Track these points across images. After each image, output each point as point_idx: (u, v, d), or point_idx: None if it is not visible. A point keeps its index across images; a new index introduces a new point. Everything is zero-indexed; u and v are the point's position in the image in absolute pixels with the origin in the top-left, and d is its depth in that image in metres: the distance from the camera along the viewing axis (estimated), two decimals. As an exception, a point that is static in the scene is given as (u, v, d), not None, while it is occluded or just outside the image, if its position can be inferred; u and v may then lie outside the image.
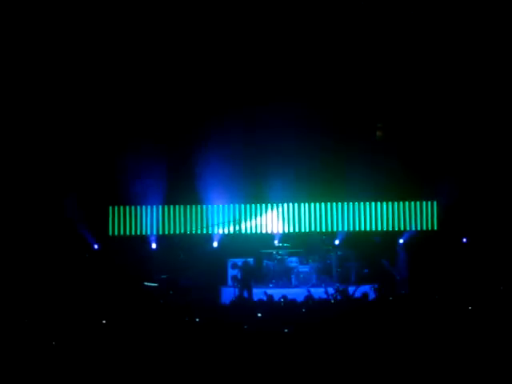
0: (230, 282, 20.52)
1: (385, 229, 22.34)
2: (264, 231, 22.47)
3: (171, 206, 22.40)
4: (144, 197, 21.93)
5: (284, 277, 20.91)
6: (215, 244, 22.22)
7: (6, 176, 20.77)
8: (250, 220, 22.45)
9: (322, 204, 22.43)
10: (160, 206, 22.35)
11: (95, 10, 19.81)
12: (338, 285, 19.20)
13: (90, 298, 16.67)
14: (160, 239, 22.37)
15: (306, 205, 22.47)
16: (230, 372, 9.20)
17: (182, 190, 22.04)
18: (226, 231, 22.37)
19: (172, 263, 21.62)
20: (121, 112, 21.36)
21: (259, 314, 12.32)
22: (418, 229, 22.28)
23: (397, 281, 20.39)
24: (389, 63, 21.08)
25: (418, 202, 22.35)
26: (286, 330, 10.49)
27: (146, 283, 20.44)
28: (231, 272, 20.57)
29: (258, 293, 18.34)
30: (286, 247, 21.69)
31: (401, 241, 21.86)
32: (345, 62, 21.07)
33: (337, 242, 21.90)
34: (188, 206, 22.45)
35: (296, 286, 20.34)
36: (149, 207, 22.35)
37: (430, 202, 22.33)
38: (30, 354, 9.78)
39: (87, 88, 20.98)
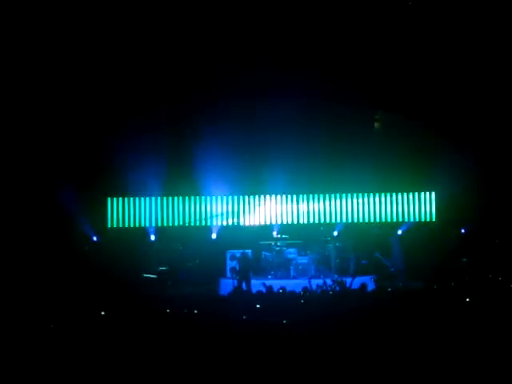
0: (228, 273, 20.55)
1: (383, 220, 22.36)
2: (263, 223, 22.49)
3: (170, 198, 22.42)
4: (143, 188, 21.95)
5: (282, 268, 20.92)
6: (214, 236, 22.25)
7: (3, 168, 20.74)
8: (249, 211, 22.47)
9: (321, 195, 22.46)
10: (159, 198, 22.37)
11: None
12: (336, 276, 19.25)
13: (88, 290, 16.70)
14: (159, 231, 22.39)
15: (305, 196, 22.49)
16: (228, 363, 9.23)
17: (181, 181, 22.07)
18: (225, 223, 22.39)
19: (171, 255, 21.65)
20: (120, 104, 21.34)
21: (258, 306, 12.33)
22: (417, 220, 22.31)
23: (391, 272, 20.42)
24: (387, 52, 21.04)
25: (416, 193, 22.38)
26: (284, 321, 10.51)
27: (144, 275, 20.46)
28: (230, 264, 20.59)
29: (256, 284, 18.36)
30: (284, 238, 21.71)
31: (399, 232, 21.93)
32: (343, 53, 21.03)
33: (335, 233, 21.93)
34: (187, 198, 22.47)
35: (294, 278, 20.36)
36: (147, 199, 22.37)
37: (428, 193, 22.35)
38: (30, 345, 9.81)
39: (85, 79, 20.93)
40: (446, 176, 21.07)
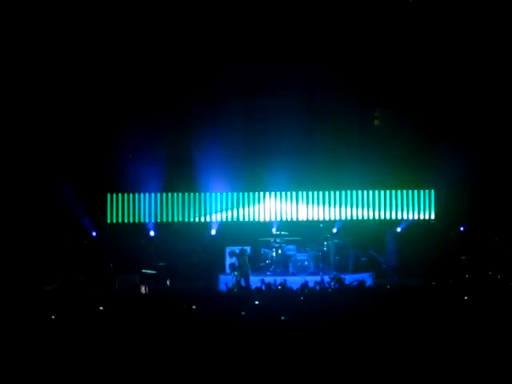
0: (227, 269, 20.58)
1: (382, 217, 22.36)
2: (262, 219, 22.49)
3: (169, 194, 22.42)
4: (142, 184, 21.94)
5: (281, 265, 20.94)
6: (213, 232, 22.26)
7: (3, 164, 20.74)
8: (248, 208, 22.47)
9: (320, 192, 22.44)
10: (158, 194, 22.37)
11: None
12: (334, 273, 19.28)
13: (88, 285, 16.74)
14: (158, 227, 22.40)
15: (304, 193, 22.48)
16: (227, 359, 9.24)
17: (181, 177, 22.06)
18: (224, 219, 22.39)
19: (170, 251, 21.66)
20: (120, 100, 21.34)
21: (257, 302, 12.35)
22: (416, 218, 22.31)
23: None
24: (388, 50, 21.05)
25: (415, 191, 22.37)
26: (282, 318, 10.52)
27: (144, 270, 20.48)
28: (229, 260, 20.61)
29: (255, 281, 18.38)
30: (283, 235, 21.72)
31: (398, 229, 21.95)
32: (343, 49, 21.02)
33: (334, 230, 21.93)
34: (186, 194, 22.47)
35: (293, 274, 20.37)
36: (147, 195, 22.36)
37: (427, 191, 22.36)
38: (29, 340, 9.83)
39: (84, 75, 20.94)
40: (445, 174, 21.07)
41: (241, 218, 22.44)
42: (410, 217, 22.32)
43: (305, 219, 22.44)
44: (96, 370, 9.19)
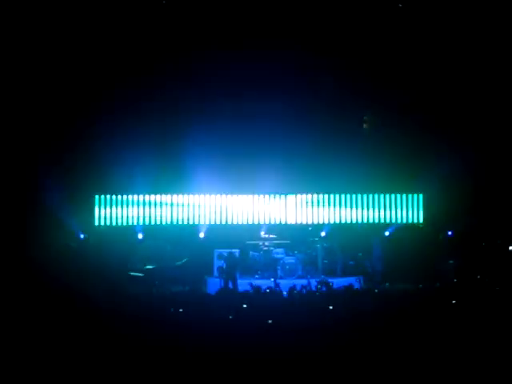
0: (215, 272, 20.55)
1: (371, 221, 22.37)
2: (250, 222, 22.46)
3: (158, 196, 22.36)
4: (131, 186, 21.88)
5: (270, 268, 20.93)
6: (201, 235, 22.22)
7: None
8: (237, 211, 22.44)
9: (309, 195, 22.44)
10: (146, 196, 22.31)
11: None
12: (322, 276, 19.29)
13: (76, 288, 16.66)
14: (146, 229, 22.35)
15: (293, 196, 22.47)
16: (213, 363, 9.23)
17: (169, 179, 22.02)
18: (213, 222, 22.35)
19: (158, 253, 21.61)
20: (107, 101, 21.29)
21: (244, 305, 12.34)
22: (404, 222, 22.33)
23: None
24: (379, 53, 21.09)
25: (404, 195, 22.40)
26: (269, 321, 10.52)
27: (132, 273, 20.42)
28: (217, 263, 20.59)
29: (243, 284, 18.36)
30: (272, 238, 21.72)
31: (386, 233, 21.99)
32: (335, 50, 21.04)
33: (323, 233, 21.94)
34: (175, 196, 22.41)
35: (281, 278, 20.35)
36: (136, 197, 22.30)
37: (416, 195, 22.39)
38: (16, 343, 9.80)
39: (70, 77, 20.88)
40: (434, 178, 21.12)
41: (229, 221, 22.40)
42: (399, 221, 22.34)
43: (293, 222, 22.43)
44: (81, 372, 9.18)
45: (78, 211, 21.64)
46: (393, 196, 22.41)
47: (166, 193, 22.31)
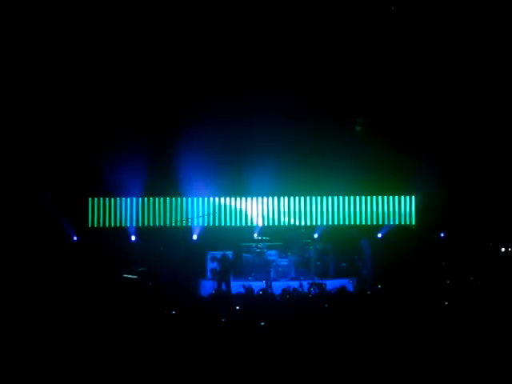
0: (209, 274, 20.56)
1: (363, 223, 22.42)
2: (243, 224, 22.49)
3: (151, 198, 22.38)
4: (124, 189, 21.88)
5: (263, 270, 20.94)
6: (195, 237, 22.23)
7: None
8: (230, 213, 22.47)
9: (302, 198, 22.49)
10: (140, 198, 22.32)
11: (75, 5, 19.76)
12: (315, 278, 19.33)
13: (69, 290, 16.64)
14: (139, 231, 22.35)
15: (286, 198, 22.51)
16: (206, 364, 9.25)
17: (162, 182, 22.04)
18: (206, 224, 22.37)
19: (151, 255, 21.60)
20: (100, 103, 21.30)
21: (237, 307, 12.36)
22: (397, 223, 22.39)
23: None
24: (371, 55, 21.14)
25: (396, 197, 22.45)
26: (262, 324, 10.54)
27: (125, 275, 20.41)
28: (210, 265, 20.60)
29: (236, 286, 18.39)
30: (265, 240, 21.74)
31: (379, 235, 22.04)
32: (327, 56, 21.10)
33: (316, 235, 21.97)
34: (168, 199, 22.44)
35: (274, 280, 20.39)
36: (128, 199, 22.31)
37: (408, 197, 22.44)
38: (12, 345, 9.80)
39: (65, 80, 20.88)
40: (426, 180, 21.16)
41: (222, 223, 22.43)
42: (391, 222, 22.39)
43: (286, 224, 22.47)
44: (75, 374, 9.18)
45: (71, 213, 21.65)
46: (385, 198, 22.46)
47: (159, 195, 22.33)
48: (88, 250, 21.23)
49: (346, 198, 22.44)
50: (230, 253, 20.47)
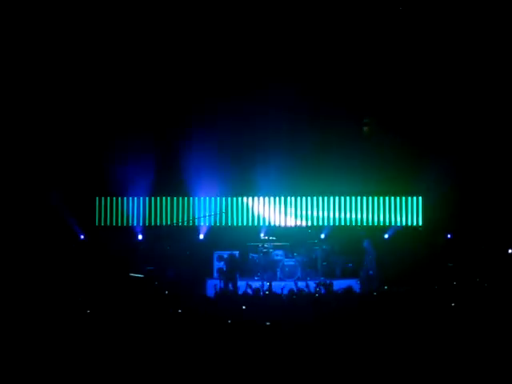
0: (215, 274, 20.57)
1: (370, 224, 22.41)
2: (250, 224, 22.50)
3: (158, 198, 22.41)
4: (131, 188, 21.92)
5: (269, 270, 20.93)
6: (201, 236, 22.25)
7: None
8: (237, 213, 22.48)
9: (308, 198, 22.49)
10: (147, 198, 22.35)
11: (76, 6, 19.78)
12: (322, 278, 19.31)
13: (76, 288, 16.68)
14: (146, 230, 22.38)
15: (293, 198, 22.52)
16: (210, 364, 9.25)
17: (169, 181, 22.07)
18: (213, 223, 22.38)
19: (158, 254, 21.62)
20: (108, 103, 21.33)
21: (244, 307, 12.36)
22: (403, 224, 22.37)
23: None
24: (378, 56, 21.11)
25: (403, 198, 22.44)
26: (267, 323, 10.54)
27: (131, 274, 20.43)
28: (217, 264, 20.61)
29: (243, 285, 18.38)
30: (271, 240, 21.72)
31: (386, 236, 22.03)
32: (334, 54, 21.07)
33: (322, 235, 21.96)
34: (175, 198, 22.47)
35: (281, 280, 20.37)
36: (135, 198, 22.35)
37: (415, 198, 22.42)
38: (16, 343, 9.81)
39: (73, 80, 20.92)
40: (433, 181, 21.15)
41: (229, 223, 22.45)
42: (398, 223, 22.38)
43: (293, 225, 22.47)
44: (81, 372, 9.20)
45: (78, 212, 21.70)
46: (392, 199, 22.45)
47: (166, 195, 22.37)
48: (95, 249, 21.28)
49: (353, 198, 22.44)
50: (236, 252, 20.47)
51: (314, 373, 9.20)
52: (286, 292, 14.13)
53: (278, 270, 20.82)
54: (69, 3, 19.72)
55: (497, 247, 21.27)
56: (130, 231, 22.28)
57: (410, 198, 22.40)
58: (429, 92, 21.33)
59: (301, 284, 16.30)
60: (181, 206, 22.46)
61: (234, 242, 21.33)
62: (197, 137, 21.24)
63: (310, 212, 22.47)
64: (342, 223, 22.47)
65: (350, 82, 21.38)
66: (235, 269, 19.70)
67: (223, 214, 22.38)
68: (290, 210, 22.53)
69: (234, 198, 22.49)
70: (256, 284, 16.66)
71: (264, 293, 14.49)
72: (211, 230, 22.27)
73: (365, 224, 22.42)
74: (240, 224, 22.48)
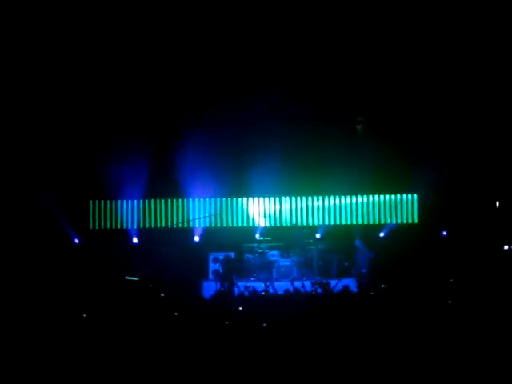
0: (211, 276, 20.53)
1: (365, 222, 22.39)
2: (245, 225, 22.45)
3: (152, 200, 22.36)
4: (125, 190, 21.85)
5: (265, 270, 20.89)
6: (196, 238, 22.19)
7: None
8: (232, 214, 22.44)
9: (303, 197, 22.46)
10: (141, 200, 22.30)
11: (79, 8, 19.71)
12: (318, 278, 19.27)
13: (70, 292, 16.61)
14: (141, 233, 22.32)
15: (287, 198, 22.48)
16: (208, 365, 9.21)
17: (163, 183, 22.01)
18: (208, 225, 22.33)
19: (153, 257, 21.56)
20: (101, 105, 21.27)
21: (240, 308, 12.33)
22: (399, 222, 22.36)
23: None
24: (371, 54, 21.11)
25: (398, 196, 22.43)
26: (264, 325, 10.50)
27: (127, 277, 20.36)
28: (212, 266, 20.57)
29: (239, 286, 18.34)
30: (267, 241, 21.68)
31: (381, 234, 22.01)
32: (327, 54, 21.07)
33: (318, 235, 21.92)
34: (169, 200, 22.42)
35: (277, 280, 20.34)
36: (130, 201, 22.29)
37: (410, 196, 22.42)
38: (11, 348, 9.76)
39: (68, 82, 20.86)
40: (428, 178, 21.13)
41: (224, 224, 22.40)
42: (394, 221, 22.36)
43: (288, 225, 22.43)
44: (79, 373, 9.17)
45: (72, 216, 21.63)
46: (387, 196, 22.44)
47: (160, 197, 22.31)
48: (89, 252, 21.20)
49: (348, 197, 22.41)
50: (232, 254, 20.43)
51: (312, 373, 9.16)
52: (281, 292, 14.14)
53: (274, 270, 20.79)
54: (68, 3, 19.64)
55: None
56: (125, 234, 22.21)
57: (405, 196, 22.39)
58: (423, 90, 21.33)
59: (297, 284, 16.29)
60: (175, 208, 22.40)
61: (229, 243, 21.28)
62: (190, 138, 21.18)
63: (304, 212, 22.42)
64: (338, 222, 22.42)
65: (343, 83, 21.37)
66: (231, 270, 19.66)
67: (218, 216, 22.33)
68: (285, 210, 22.48)
69: (229, 199, 22.43)
70: (252, 285, 16.60)
71: (260, 293, 14.46)
72: (206, 232, 22.21)
73: (360, 223, 22.38)
74: (235, 225, 22.43)
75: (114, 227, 22.30)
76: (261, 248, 21.31)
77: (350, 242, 21.39)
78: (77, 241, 21.91)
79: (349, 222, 22.45)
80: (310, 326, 10.56)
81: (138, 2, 20.02)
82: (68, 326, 10.98)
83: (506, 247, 21.30)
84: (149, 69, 21.02)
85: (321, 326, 10.55)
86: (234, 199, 22.44)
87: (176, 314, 11.70)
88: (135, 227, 22.29)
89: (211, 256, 20.85)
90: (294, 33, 20.54)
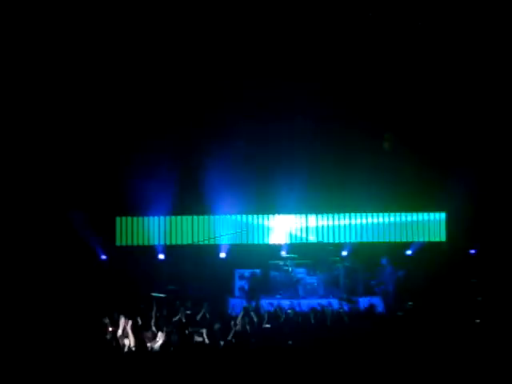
0: (237, 292, 20.52)
1: (393, 240, 22.28)
2: (271, 242, 22.44)
3: (178, 217, 22.41)
4: (151, 207, 21.92)
5: (291, 288, 20.85)
6: (222, 255, 22.20)
7: (14, 188, 20.76)
8: (258, 231, 22.43)
9: (330, 215, 22.41)
10: (167, 217, 22.36)
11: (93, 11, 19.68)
12: (344, 295, 19.19)
13: (97, 309, 16.67)
14: (168, 250, 22.37)
15: (314, 216, 22.44)
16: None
17: (190, 200, 22.05)
18: (234, 242, 22.33)
19: (179, 274, 21.60)
20: (128, 122, 21.35)
21: (267, 325, 12.32)
22: (427, 240, 22.23)
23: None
24: (399, 70, 21.01)
25: (426, 214, 22.31)
26: (290, 342, 10.48)
27: (153, 294, 20.39)
28: (239, 283, 20.56)
29: (265, 304, 18.32)
30: (293, 258, 21.65)
31: (409, 252, 21.91)
32: (353, 69, 20.99)
33: (344, 253, 21.86)
34: (195, 217, 22.46)
35: (303, 298, 20.29)
36: (156, 218, 22.35)
37: (438, 214, 22.29)
38: (36, 364, 9.80)
39: (93, 99, 20.95)
40: (456, 196, 20.99)
41: (250, 241, 22.40)
42: (421, 239, 22.24)
43: (314, 242, 22.39)
44: None
45: (99, 232, 21.73)
46: (415, 214, 22.32)
47: (186, 214, 22.37)
48: (116, 269, 21.28)
49: (375, 214, 22.34)
50: (258, 271, 20.41)
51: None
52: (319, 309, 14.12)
53: (300, 287, 20.74)
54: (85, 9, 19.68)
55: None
56: (151, 251, 22.27)
57: (433, 214, 22.27)
58: (451, 108, 21.19)
59: (323, 302, 16.24)
60: (201, 225, 22.43)
61: (255, 260, 21.27)
62: (217, 155, 21.20)
63: (331, 229, 22.37)
64: (364, 240, 22.33)
65: (371, 97, 21.27)
66: (257, 287, 19.65)
67: (244, 233, 22.34)
68: (311, 228, 22.43)
69: (255, 216, 22.43)
70: (278, 303, 16.58)
71: (287, 311, 14.42)
72: (232, 249, 22.22)
73: (387, 240, 22.28)
74: (261, 242, 22.42)
75: (140, 244, 22.36)
76: (287, 265, 21.28)
77: (376, 260, 21.31)
78: (104, 257, 22.00)
79: (375, 240, 22.35)
80: (336, 345, 10.51)
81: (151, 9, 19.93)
82: (95, 341, 11.01)
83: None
84: (178, 83, 21.05)
85: (347, 346, 10.50)
86: (261, 216, 22.44)
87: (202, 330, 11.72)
88: (161, 244, 22.34)
89: (237, 273, 20.83)
90: (324, 46, 20.46)
